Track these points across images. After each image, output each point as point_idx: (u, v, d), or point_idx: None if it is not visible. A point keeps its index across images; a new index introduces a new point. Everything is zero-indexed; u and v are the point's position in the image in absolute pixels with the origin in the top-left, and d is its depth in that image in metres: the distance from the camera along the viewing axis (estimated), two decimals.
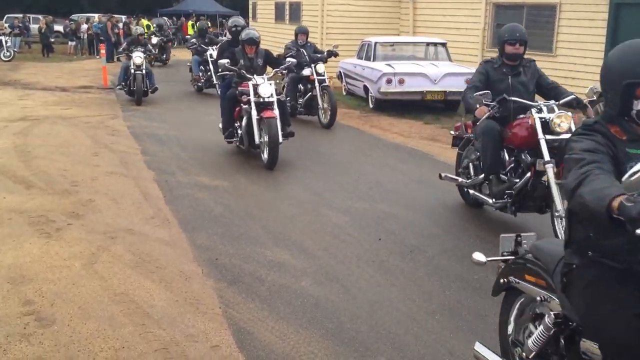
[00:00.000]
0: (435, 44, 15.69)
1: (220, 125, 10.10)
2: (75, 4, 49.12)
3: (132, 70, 14.99)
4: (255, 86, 9.10)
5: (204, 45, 17.14)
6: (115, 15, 31.88)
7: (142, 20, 32.57)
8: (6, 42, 26.79)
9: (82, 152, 9.87)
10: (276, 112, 8.99)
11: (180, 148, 10.41)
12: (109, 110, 14.27)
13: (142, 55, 15.17)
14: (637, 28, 14.12)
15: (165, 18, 41.46)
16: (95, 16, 34.30)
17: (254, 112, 9.09)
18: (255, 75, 9.27)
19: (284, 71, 10.93)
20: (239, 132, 9.60)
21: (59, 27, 35.55)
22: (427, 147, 10.76)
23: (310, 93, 12.80)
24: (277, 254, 5.83)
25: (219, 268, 5.46)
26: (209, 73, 16.54)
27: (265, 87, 9.06)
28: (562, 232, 5.77)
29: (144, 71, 15.08)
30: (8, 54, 26.63)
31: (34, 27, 35.53)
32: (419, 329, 4.42)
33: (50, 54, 30.02)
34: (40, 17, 36.21)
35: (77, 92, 17.49)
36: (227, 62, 9.36)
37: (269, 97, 9.06)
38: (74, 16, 39.92)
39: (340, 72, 17.51)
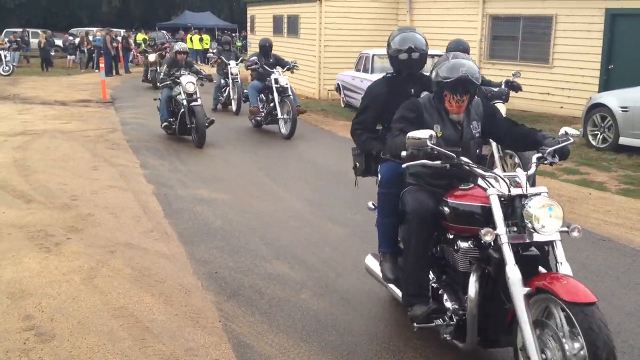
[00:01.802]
0: (432, 56, 15.68)
1: None
2: (74, 18, 49.32)
3: (184, 102, 11.53)
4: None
5: (268, 66, 13.26)
6: (114, 29, 31.99)
7: (140, 34, 32.69)
8: (5, 56, 26.88)
9: (82, 166, 9.89)
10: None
11: (180, 161, 10.44)
12: (108, 124, 14.31)
13: (193, 80, 11.60)
14: (632, 38, 14.24)
15: (164, 31, 41.64)
16: (95, 30, 34.47)
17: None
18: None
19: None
20: None
21: (58, 42, 35.66)
22: None
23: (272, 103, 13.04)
24: (277, 266, 5.83)
25: (218, 281, 5.46)
26: (272, 104, 12.95)
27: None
28: None
29: (200, 100, 11.62)
30: (7, 68, 26.73)
31: (33, 42, 35.72)
32: (419, 341, 4.42)
33: (50, 68, 30.11)
34: (39, 31, 36.42)
35: (77, 106, 17.55)
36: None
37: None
38: (73, 30, 40.11)
39: (338, 84, 17.59)
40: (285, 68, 13.37)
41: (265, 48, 13.72)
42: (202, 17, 48.67)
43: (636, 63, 14.03)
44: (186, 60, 12.48)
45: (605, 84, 14.46)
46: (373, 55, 15.32)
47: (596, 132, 11.32)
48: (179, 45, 12.79)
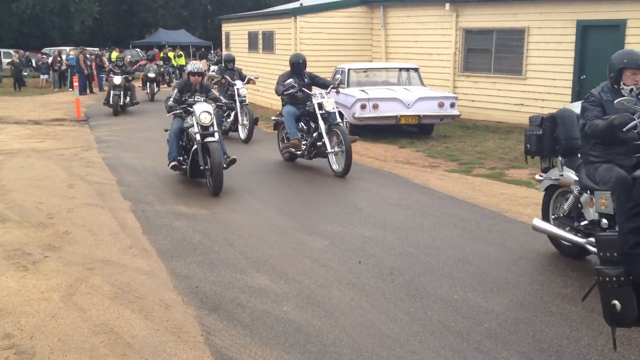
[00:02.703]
0: (407, 69, 15.87)
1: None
2: (47, 38, 48.99)
3: (198, 136, 9.10)
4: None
5: (307, 89, 11.17)
6: (88, 48, 31.83)
7: (114, 53, 32.54)
8: None
9: (57, 184, 9.81)
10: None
11: (157, 178, 10.39)
12: (83, 143, 14.21)
13: (210, 109, 9.33)
14: (603, 49, 14.41)
15: (137, 49, 41.54)
16: (68, 49, 34.25)
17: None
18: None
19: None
20: None
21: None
22: (402, 170, 10.85)
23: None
24: (258, 279, 5.81)
25: (199, 296, 5.43)
26: (315, 134, 10.72)
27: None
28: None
29: (217, 135, 9.28)
30: None
31: (4, 61, 35.41)
32: (402, 350, 4.43)
33: (22, 88, 29.86)
34: (11, 51, 36.08)
35: (51, 125, 17.41)
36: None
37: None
38: (46, 49, 39.84)
39: None
40: (330, 88, 11.21)
41: (299, 66, 11.34)
42: (177, 35, 48.59)
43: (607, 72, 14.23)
44: (201, 84, 10.02)
45: (579, 94, 14.65)
46: (349, 70, 15.39)
47: None
48: (192, 65, 10.10)
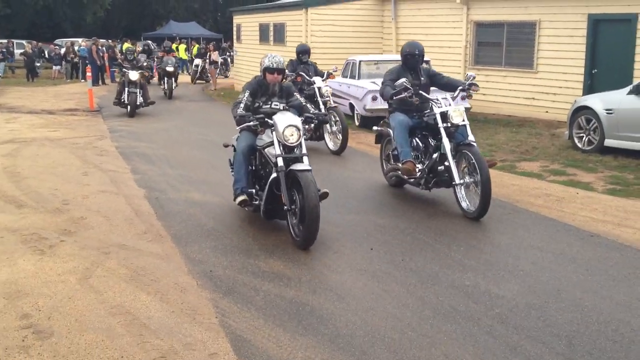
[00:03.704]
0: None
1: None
2: (59, 29, 49.20)
3: (279, 161, 6.47)
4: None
5: (425, 91, 8.15)
6: (100, 40, 31.96)
7: (125, 44, 32.68)
8: None
9: (72, 172, 9.91)
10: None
11: (169, 166, 10.48)
12: (96, 132, 14.33)
13: (297, 122, 6.63)
14: (615, 43, 14.45)
15: (149, 41, 41.65)
16: (80, 40, 34.40)
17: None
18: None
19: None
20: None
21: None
22: None
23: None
24: (271, 265, 5.89)
25: (213, 280, 5.51)
26: (436, 154, 7.77)
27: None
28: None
29: (306, 160, 6.59)
30: None
31: (17, 52, 35.62)
32: (414, 333, 4.49)
33: (35, 79, 30.03)
34: (24, 42, 36.28)
35: (64, 114, 17.54)
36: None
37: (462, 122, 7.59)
38: (58, 41, 40.03)
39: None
40: (458, 90, 8.12)
41: (414, 59, 8.22)
42: (187, 27, 48.75)
43: (619, 67, 14.25)
44: (282, 85, 7.37)
45: (590, 89, 14.65)
46: (360, 62, 15.44)
47: (582, 135, 11.47)
48: (269, 59, 7.25)
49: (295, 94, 7.48)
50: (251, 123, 6.78)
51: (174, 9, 55.07)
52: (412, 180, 8.07)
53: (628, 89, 10.79)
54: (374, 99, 13.87)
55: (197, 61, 30.23)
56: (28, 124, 15.49)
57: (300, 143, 6.59)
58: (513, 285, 5.37)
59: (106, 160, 10.90)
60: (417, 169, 7.84)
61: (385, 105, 13.93)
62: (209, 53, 30.06)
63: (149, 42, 33.70)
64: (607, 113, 10.83)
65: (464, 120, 7.58)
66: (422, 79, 8.28)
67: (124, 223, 7.20)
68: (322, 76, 12.22)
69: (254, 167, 7.24)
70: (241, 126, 6.93)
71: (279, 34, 22.21)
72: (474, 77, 8.07)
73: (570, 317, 4.74)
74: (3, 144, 12.36)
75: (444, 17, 18.54)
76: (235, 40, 28.16)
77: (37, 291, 5.21)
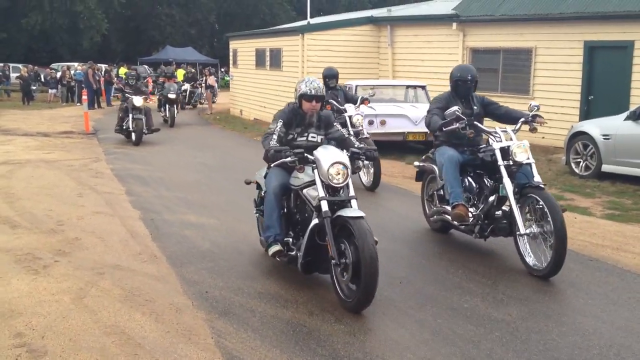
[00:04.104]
0: (414, 87, 15.96)
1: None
2: (55, 54, 49.34)
3: (322, 205, 5.39)
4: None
5: (479, 122, 6.98)
6: (96, 64, 32.06)
7: (122, 68, 32.79)
8: None
9: (67, 193, 9.84)
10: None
11: (165, 188, 10.43)
12: (91, 154, 14.28)
13: (345, 158, 5.58)
14: (611, 69, 14.54)
15: (145, 66, 41.77)
16: (76, 64, 34.49)
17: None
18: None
19: None
20: None
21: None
22: (410, 185, 10.86)
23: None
24: (267, 286, 5.83)
25: (209, 300, 5.44)
26: (492, 197, 6.62)
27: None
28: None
29: (355, 205, 5.53)
30: None
31: (13, 76, 35.68)
32: (413, 356, 4.42)
33: (31, 102, 30.03)
34: (20, 66, 36.35)
35: (59, 137, 17.50)
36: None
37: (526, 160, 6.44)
38: (54, 65, 40.12)
39: None
40: (519, 124, 7.04)
41: (465, 86, 7.12)
42: (184, 52, 48.91)
43: (615, 94, 14.32)
44: (320, 114, 6.22)
45: (586, 115, 14.72)
46: (356, 86, 15.47)
47: (579, 160, 11.48)
48: (307, 84, 6.03)
49: (335, 124, 6.33)
50: (288, 159, 5.58)
51: (170, 34, 55.26)
52: (462, 227, 6.86)
53: (625, 114, 10.83)
54: (371, 123, 13.88)
55: (186, 86, 29.44)
56: (23, 146, 15.44)
57: (347, 184, 5.52)
58: (512, 309, 5.32)
59: (101, 182, 10.84)
60: (469, 214, 6.68)
61: (381, 130, 14.07)
62: (205, 77, 30.11)
63: (137, 67, 32.53)
64: (605, 139, 10.86)
65: (528, 158, 6.41)
66: (475, 108, 7.11)
67: (118, 244, 7.13)
68: (354, 102, 11.04)
69: (285, 209, 6.10)
70: (276, 163, 5.77)
71: (275, 59, 22.29)
72: (539, 108, 6.98)
73: (571, 341, 4.69)
74: None
75: (440, 43, 18.63)
76: (231, 65, 28.26)
77: (31, 310, 5.14)
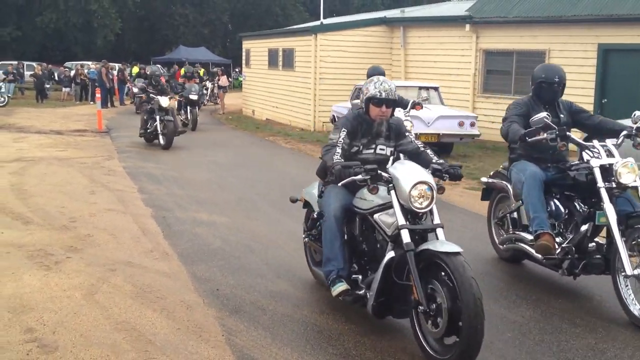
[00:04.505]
0: (427, 88, 15.90)
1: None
2: (69, 52, 49.59)
3: (403, 235, 4.36)
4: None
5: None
6: (110, 63, 32.17)
7: (135, 67, 32.89)
8: (0, 87, 26.96)
9: (79, 190, 9.88)
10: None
11: (177, 186, 10.45)
12: (104, 152, 14.32)
13: (429, 177, 4.54)
14: (624, 73, 14.45)
15: (158, 65, 41.87)
16: (90, 63, 34.64)
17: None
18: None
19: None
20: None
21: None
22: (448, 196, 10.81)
23: None
24: (278, 284, 5.82)
25: (220, 298, 5.44)
26: (585, 227, 5.45)
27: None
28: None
29: (442, 234, 4.49)
30: (2, 99, 26.75)
31: (27, 74, 35.90)
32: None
33: (44, 100, 30.18)
34: (34, 64, 36.54)
35: (72, 135, 17.56)
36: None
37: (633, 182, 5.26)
38: (68, 63, 40.32)
39: (333, 116, 17.66)
40: (621, 138, 5.78)
41: (551, 90, 5.94)
42: (197, 52, 49.03)
43: (629, 97, 14.23)
44: (390, 122, 5.19)
45: None
46: None
47: None
48: (376, 86, 4.99)
49: (408, 134, 5.25)
50: (358, 177, 4.56)
51: (183, 34, 55.42)
52: (546, 261, 5.66)
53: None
54: None
55: (208, 85, 29.57)
56: (36, 143, 15.50)
57: (432, 210, 4.47)
58: (525, 311, 5.29)
59: (114, 180, 10.87)
60: (555, 245, 5.46)
61: None
62: (217, 77, 30.13)
63: (145, 66, 31.08)
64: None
65: (635, 181, 5.24)
66: (562, 116, 5.93)
67: (130, 241, 7.14)
68: (404, 107, 9.96)
69: (346, 236, 5.04)
70: (345, 181, 4.68)
71: (288, 59, 22.30)
72: None
73: (584, 343, 4.65)
74: (11, 163, 12.35)
75: (453, 45, 18.59)
76: (244, 65, 28.30)
77: (42, 306, 5.15)
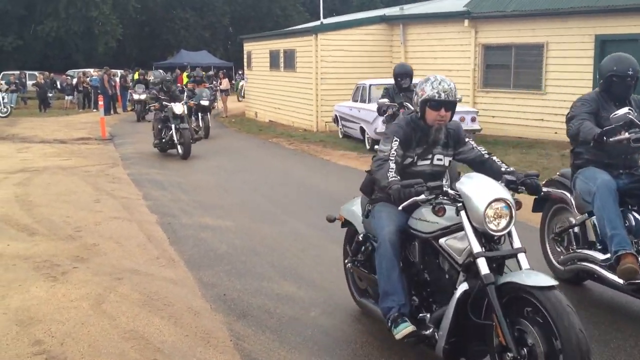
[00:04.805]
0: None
1: None
2: (70, 60, 49.68)
3: (480, 265, 3.65)
4: None
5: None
6: (112, 70, 32.23)
7: (137, 73, 32.94)
8: (3, 98, 27.03)
9: (84, 199, 9.91)
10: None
11: (182, 192, 10.47)
12: (108, 160, 14.36)
13: (507, 193, 3.86)
14: None
15: (161, 70, 41.90)
16: (91, 71, 34.70)
17: None
18: None
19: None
20: None
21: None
22: None
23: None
24: (285, 287, 5.84)
25: (227, 303, 5.46)
26: None
27: None
28: None
29: (527, 261, 3.81)
30: (5, 110, 26.81)
31: (29, 83, 35.99)
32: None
33: (47, 109, 30.26)
34: (36, 73, 36.64)
35: (76, 143, 17.61)
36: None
37: None
38: (70, 71, 40.40)
39: (336, 115, 17.70)
40: None
41: (625, 83, 5.14)
42: (198, 56, 49.09)
43: None
44: (448, 128, 4.48)
45: None
46: (370, 85, 15.47)
47: None
48: (434, 86, 4.28)
49: (468, 140, 4.53)
50: (421, 197, 3.86)
51: (184, 38, 55.51)
52: (628, 285, 4.73)
53: None
54: (384, 122, 13.85)
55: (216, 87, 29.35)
56: (40, 153, 15.56)
57: (511, 232, 3.81)
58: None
59: (118, 187, 10.90)
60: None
61: None
62: (219, 80, 30.15)
63: (145, 72, 29.42)
64: None
65: None
66: (636, 114, 4.99)
67: (136, 249, 7.17)
68: None
69: (400, 262, 4.24)
70: (406, 203, 3.88)
71: (289, 60, 22.31)
72: None
73: (588, 334, 4.64)
74: (15, 173, 12.39)
75: (453, 41, 18.57)
76: (245, 67, 28.32)
77: (50, 317, 5.17)
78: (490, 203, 3.67)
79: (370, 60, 20.24)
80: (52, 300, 5.56)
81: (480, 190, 3.77)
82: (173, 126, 14.25)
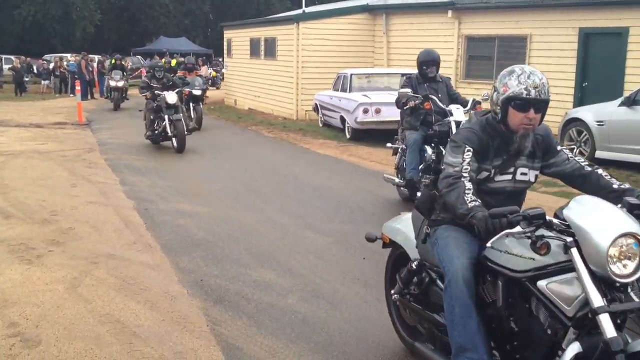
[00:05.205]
0: (409, 75, 15.88)
1: None
2: (48, 45, 49.06)
3: (605, 329, 2.64)
4: None
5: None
6: (89, 55, 31.88)
7: (114, 59, 32.61)
8: None
9: (60, 183, 9.80)
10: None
11: (160, 178, 10.39)
12: (84, 145, 14.21)
13: (635, 247, 2.79)
14: (605, 56, 14.52)
15: (139, 57, 41.59)
16: (69, 55, 34.31)
17: None
18: None
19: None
20: None
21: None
22: None
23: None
24: (262, 274, 5.81)
25: (204, 289, 5.43)
26: None
27: None
28: None
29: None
30: None
31: (5, 67, 35.51)
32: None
33: (23, 94, 29.88)
34: (12, 57, 36.14)
35: (52, 128, 17.41)
36: None
37: None
38: (47, 56, 39.90)
39: (316, 104, 17.65)
40: None
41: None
42: (178, 43, 48.74)
43: (610, 80, 14.30)
44: (536, 134, 3.47)
45: (580, 101, 14.71)
46: (351, 75, 15.44)
47: (572, 147, 11.48)
48: (522, 79, 3.31)
49: (562, 149, 3.61)
50: (516, 229, 2.94)
51: (164, 25, 55.01)
52: None
53: (619, 100, 10.83)
54: (365, 111, 13.87)
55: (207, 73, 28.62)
56: (16, 137, 15.36)
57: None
58: None
59: (95, 172, 10.80)
60: None
61: (376, 118, 14.04)
62: (199, 67, 29.94)
63: (120, 57, 27.89)
64: (599, 125, 10.86)
65: None
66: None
67: (113, 233, 7.10)
68: (463, 104, 8.21)
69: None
70: (497, 237, 3.03)
71: (270, 49, 22.19)
72: None
73: None
74: None
75: (435, 31, 18.56)
76: (225, 55, 28.14)
77: (25, 300, 5.11)
78: (615, 239, 2.74)
79: (352, 49, 20.20)
80: (27, 283, 5.50)
81: (599, 221, 2.83)
82: (166, 117, 13.26)
